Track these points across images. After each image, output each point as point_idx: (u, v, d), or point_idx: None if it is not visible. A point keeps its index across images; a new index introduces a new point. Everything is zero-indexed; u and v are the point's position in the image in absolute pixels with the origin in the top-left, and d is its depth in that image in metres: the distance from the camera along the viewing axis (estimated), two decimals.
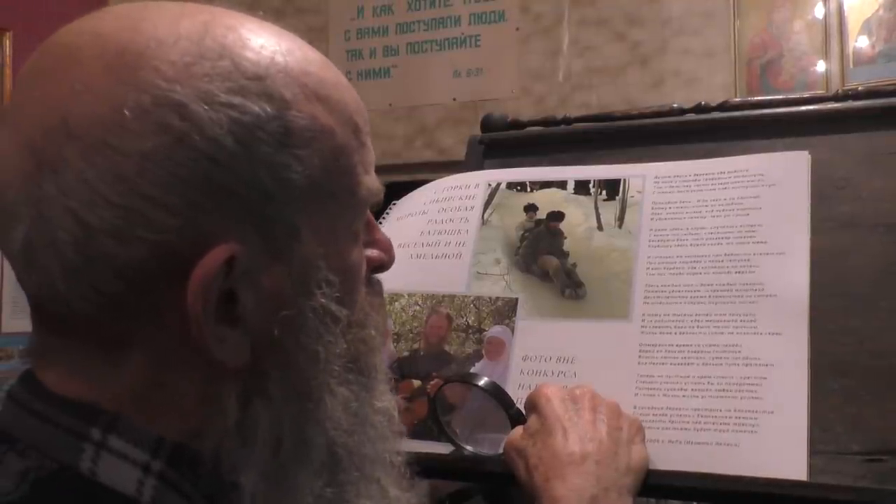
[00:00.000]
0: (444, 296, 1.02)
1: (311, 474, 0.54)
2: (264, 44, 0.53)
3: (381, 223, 1.13)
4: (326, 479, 0.55)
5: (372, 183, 0.59)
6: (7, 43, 3.28)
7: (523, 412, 0.86)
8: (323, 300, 0.54)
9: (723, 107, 1.08)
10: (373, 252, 0.63)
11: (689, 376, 0.87)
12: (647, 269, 0.95)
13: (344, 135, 0.56)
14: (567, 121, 1.16)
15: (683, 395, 0.87)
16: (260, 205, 0.51)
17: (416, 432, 0.95)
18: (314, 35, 4.07)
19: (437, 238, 1.06)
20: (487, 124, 1.21)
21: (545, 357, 0.94)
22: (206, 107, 0.49)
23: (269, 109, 0.51)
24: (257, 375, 0.52)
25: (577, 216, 1.02)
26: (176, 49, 0.50)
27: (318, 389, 0.54)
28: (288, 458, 0.53)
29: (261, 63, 0.52)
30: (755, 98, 1.13)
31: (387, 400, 0.62)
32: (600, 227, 1.01)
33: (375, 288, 0.64)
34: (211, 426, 0.52)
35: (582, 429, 0.80)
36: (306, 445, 0.54)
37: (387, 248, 0.65)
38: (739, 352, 0.87)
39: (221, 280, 0.50)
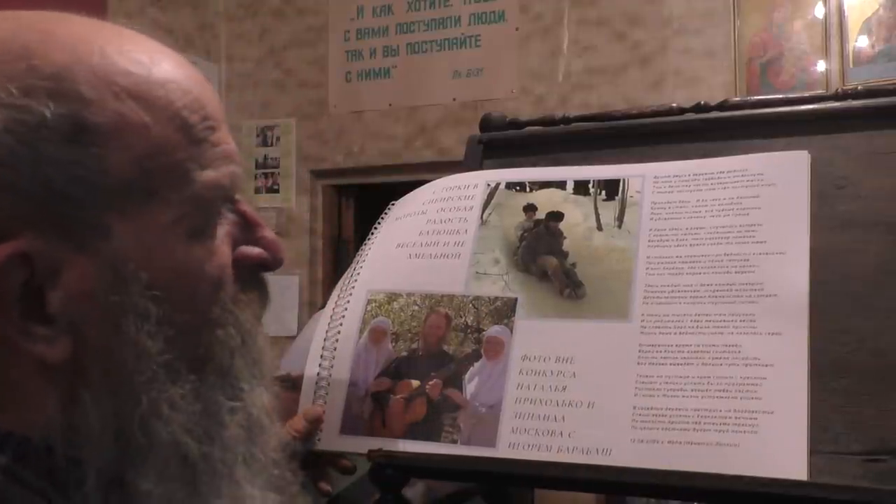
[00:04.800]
0: (442, 296, 1.02)
1: (157, 472, 0.54)
2: (76, 44, 0.54)
3: (379, 223, 1.13)
4: (176, 478, 0.55)
5: (213, 178, 0.57)
6: None
7: None
8: (137, 298, 0.54)
9: (722, 106, 1.07)
10: (251, 250, 0.62)
11: (688, 376, 0.87)
12: (647, 269, 0.95)
13: (164, 132, 0.55)
14: (566, 120, 1.16)
15: (683, 396, 0.86)
16: (55, 203, 0.51)
17: (416, 432, 0.95)
18: (314, 35, 4.07)
19: (436, 238, 1.06)
20: (487, 124, 1.21)
21: (544, 357, 0.94)
22: None
23: (55, 108, 0.51)
24: (81, 371, 0.53)
25: (577, 216, 1.02)
26: None
27: (145, 387, 0.54)
28: (133, 456, 0.54)
29: (61, 62, 0.53)
30: (755, 97, 1.13)
31: (247, 400, 0.60)
32: (600, 228, 1.00)
33: (255, 286, 0.63)
34: (51, 420, 0.53)
35: None
36: (149, 443, 0.54)
37: (271, 246, 0.63)
38: (739, 352, 0.87)
39: (20, 277, 0.51)
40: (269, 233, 0.63)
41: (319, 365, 1.02)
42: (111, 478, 0.53)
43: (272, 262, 0.63)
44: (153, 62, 0.57)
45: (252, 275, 0.63)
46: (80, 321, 0.53)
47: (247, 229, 0.62)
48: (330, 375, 1.01)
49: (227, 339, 0.59)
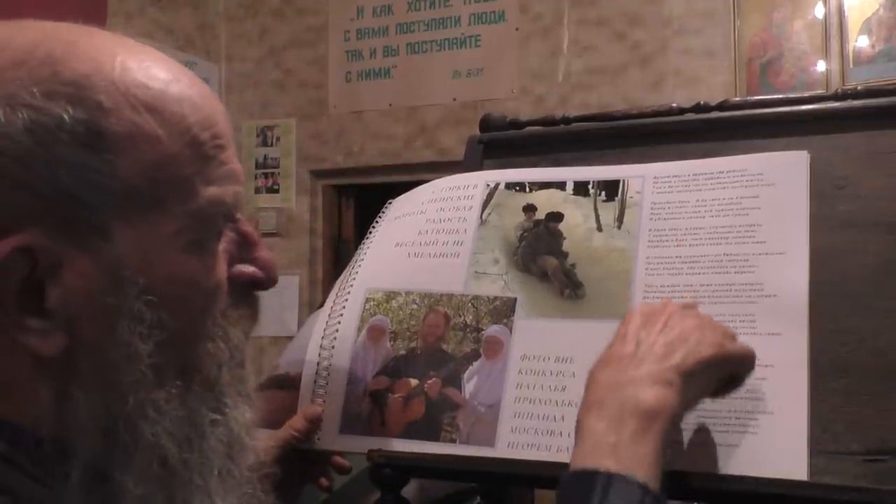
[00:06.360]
0: (441, 295, 1.02)
1: (140, 472, 0.56)
2: (98, 55, 0.56)
3: (377, 222, 1.13)
4: (156, 480, 0.56)
5: (217, 195, 0.59)
6: None
7: None
8: (133, 301, 0.55)
9: (722, 106, 1.07)
10: (246, 268, 0.64)
11: None
12: (647, 269, 0.95)
13: (175, 146, 0.57)
14: (566, 120, 1.16)
15: None
16: (63, 203, 0.53)
17: (415, 431, 0.95)
18: (314, 35, 4.07)
19: (435, 237, 1.06)
20: (487, 124, 1.21)
21: (544, 357, 0.94)
22: (7, 108, 0.52)
23: (74, 113, 0.53)
24: (73, 367, 0.55)
25: (577, 217, 1.02)
26: (2, 56, 0.54)
27: (132, 387, 0.56)
28: (118, 454, 0.55)
29: (82, 71, 0.55)
30: (755, 97, 1.13)
31: (230, 416, 0.62)
32: (599, 228, 1.00)
33: (247, 304, 0.64)
34: (42, 412, 0.54)
35: (639, 337, 0.80)
36: (133, 443, 0.56)
37: (266, 266, 0.65)
38: None
39: (22, 270, 0.53)
40: (265, 253, 0.66)
41: (318, 364, 1.02)
42: (96, 473, 0.55)
43: (266, 282, 0.66)
44: (171, 79, 0.59)
45: (244, 292, 0.64)
46: (75, 318, 0.54)
47: (244, 248, 0.64)
48: (328, 374, 1.01)
49: (216, 353, 0.61)
